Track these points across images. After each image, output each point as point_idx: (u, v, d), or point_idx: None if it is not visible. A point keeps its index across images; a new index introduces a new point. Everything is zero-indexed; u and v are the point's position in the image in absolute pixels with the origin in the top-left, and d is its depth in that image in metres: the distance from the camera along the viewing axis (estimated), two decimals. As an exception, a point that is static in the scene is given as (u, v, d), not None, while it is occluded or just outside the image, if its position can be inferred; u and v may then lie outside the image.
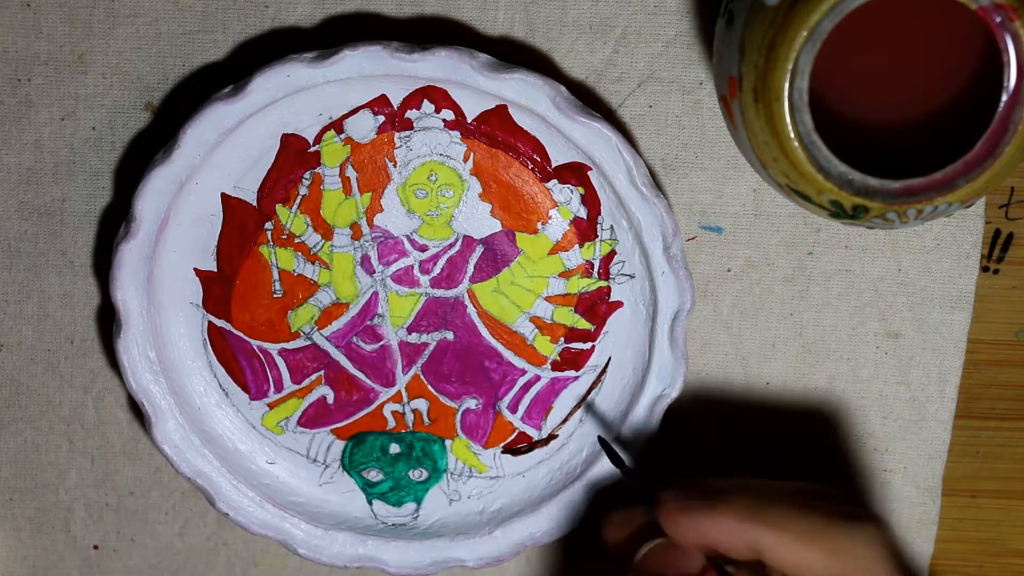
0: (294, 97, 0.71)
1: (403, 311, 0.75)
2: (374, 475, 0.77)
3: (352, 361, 0.76)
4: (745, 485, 0.69)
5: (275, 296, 0.75)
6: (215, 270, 0.74)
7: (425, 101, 0.72)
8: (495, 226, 0.74)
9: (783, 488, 0.69)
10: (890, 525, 0.65)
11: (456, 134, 0.72)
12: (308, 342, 0.75)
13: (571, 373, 0.76)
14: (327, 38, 0.73)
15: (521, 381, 0.76)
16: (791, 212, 0.75)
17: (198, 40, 0.73)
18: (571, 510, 0.76)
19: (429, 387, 0.76)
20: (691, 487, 0.68)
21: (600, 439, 0.73)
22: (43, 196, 0.75)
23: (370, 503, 0.77)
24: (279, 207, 0.73)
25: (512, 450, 0.77)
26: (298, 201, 0.73)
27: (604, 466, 0.75)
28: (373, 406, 0.76)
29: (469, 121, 0.72)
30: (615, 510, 0.72)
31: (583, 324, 0.75)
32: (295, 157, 0.73)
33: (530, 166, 0.73)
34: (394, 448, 0.77)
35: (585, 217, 0.73)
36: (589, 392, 0.76)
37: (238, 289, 0.75)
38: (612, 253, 0.74)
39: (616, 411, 0.76)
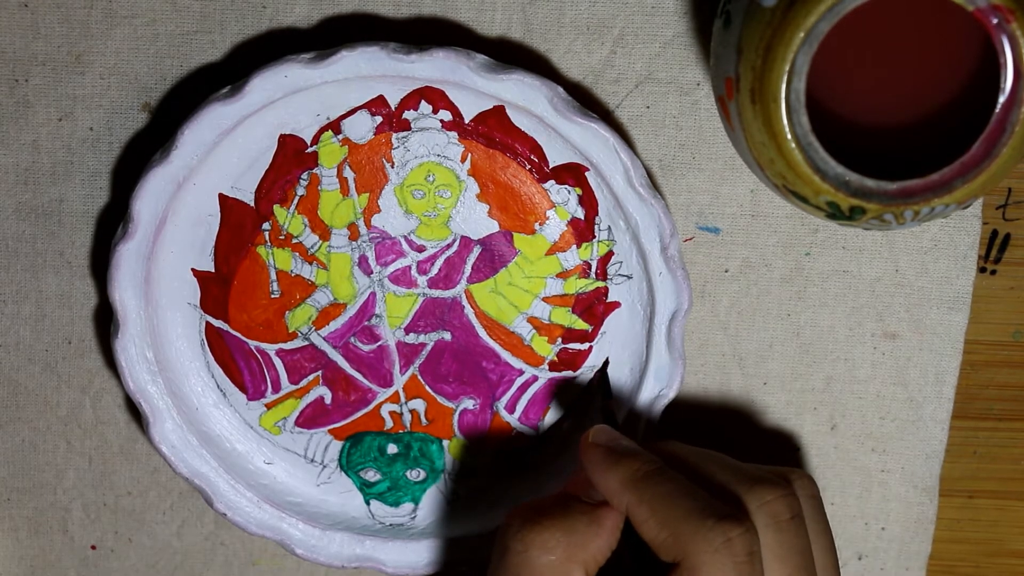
0: (292, 98, 0.71)
1: (401, 311, 0.75)
2: (372, 475, 0.77)
3: (350, 361, 0.76)
4: (669, 452, 0.68)
5: (273, 296, 0.75)
6: (213, 270, 0.74)
7: (423, 102, 0.72)
8: (493, 227, 0.74)
9: (703, 460, 0.68)
10: (757, 536, 0.64)
11: (454, 135, 0.72)
12: (306, 342, 0.75)
13: (569, 374, 0.76)
14: (325, 39, 0.73)
15: (519, 381, 0.76)
16: (788, 213, 0.75)
17: (196, 41, 0.73)
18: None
19: (427, 387, 0.76)
20: (618, 438, 0.68)
21: (604, 366, 0.74)
22: (41, 197, 0.75)
23: (368, 503, 0.77)
24: (277, 207, 0.73)
25: (510, 451, 0.77)
26: (296, 201, 0.73)
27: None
28: (371, 406, 0.76)
29: (467, 122, 0.72)
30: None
31: (580, 324, 0.75)
32: (293, 158, 0.73)
33: (528, 167, 0.73)
34: (392, 448, 0.77)
35: (583, 218, 0.73)
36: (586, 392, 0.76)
37: (236, 289, 0.75)
38: (609, 254, 0.74)
39: (613, 411, 0.76)
